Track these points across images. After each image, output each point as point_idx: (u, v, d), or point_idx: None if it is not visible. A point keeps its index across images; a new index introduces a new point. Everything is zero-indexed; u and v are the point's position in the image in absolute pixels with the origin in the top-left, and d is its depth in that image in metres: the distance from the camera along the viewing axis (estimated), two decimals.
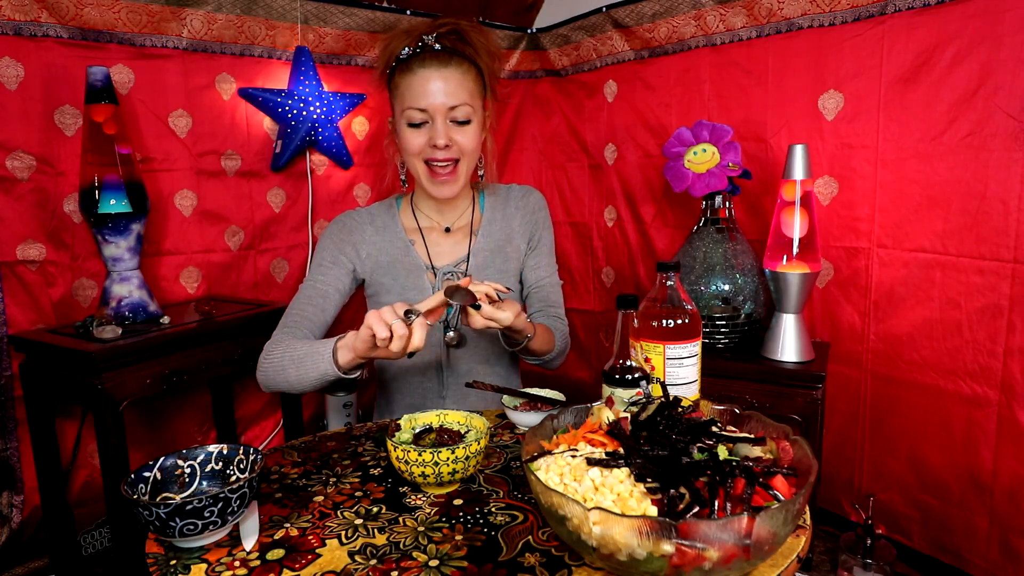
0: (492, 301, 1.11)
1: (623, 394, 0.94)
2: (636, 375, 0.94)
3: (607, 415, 0.82)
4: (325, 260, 1.32)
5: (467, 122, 1.24)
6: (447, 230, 1.38)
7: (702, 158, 1.54)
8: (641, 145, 1.94)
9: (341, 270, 1.32)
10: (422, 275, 1.33)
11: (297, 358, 1.12)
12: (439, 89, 1.21)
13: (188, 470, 0.87)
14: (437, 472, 0.87)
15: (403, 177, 1.36)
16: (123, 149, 1.41)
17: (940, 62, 1.37)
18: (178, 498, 0.80)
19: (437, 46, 1.23)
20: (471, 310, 1.09)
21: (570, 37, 2.05)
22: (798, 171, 1.40)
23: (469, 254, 1.35)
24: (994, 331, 1.35)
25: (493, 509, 0.86)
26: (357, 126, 1.93)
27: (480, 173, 1.35)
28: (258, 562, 0.74)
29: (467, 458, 0.89)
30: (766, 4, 1.59)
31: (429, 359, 1.33)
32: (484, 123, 1.31)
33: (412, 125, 1.23)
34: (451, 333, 1.32)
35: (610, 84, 1.99)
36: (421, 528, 0.81)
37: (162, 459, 0.85)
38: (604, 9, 1.90)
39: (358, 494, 0.91)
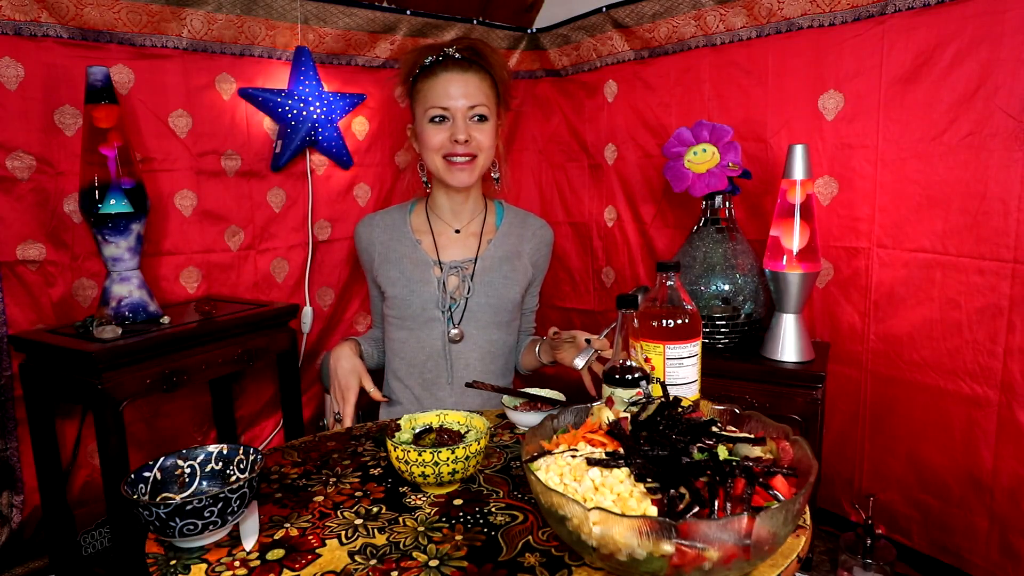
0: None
1: (623, 394, 0.94)
2: (636, 375, 0.95)
3: (607, 415, 0.82)
4: (365, 272, 1.54)
5: (485, 120, 1.37)
6: (457, 232, 1.48)
7: (702, 158, 1.54)
8: (641, 145, 1.94)
9: (372, 282, 1.52)
10: (429, 269, 1.43)
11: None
12: (460, 91, 1.33)
13: (188, 470, 0.87)
14: (437, 472, 0.87)
15: (425, 179, 1.48)
16: (124, 156, 1.41)
17: (940, 62, 1.37)
18: (178, 498, 0.80)
19: (458, 55, 1.36)
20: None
21: (570, 37, 2.05)
22: (798, 171, 1.40)
23: (477, 257, 1.44)
24: (994, 331, 1.35)
25: (493, 509, 0.86)
26: (357, 126, 1.93)
27: (495, 175, 1.47)
28: (258, 562, 0.75)
29: (467, 458, 0.89)
30: (766, 4, 1.59)
31: (433, 350, 1.42)
32: (498, 128, 1.43)
33: (433, 122, 1.35)
34: (454, 331, 1.40)
35: (610, 84, 1.99)
36: (421, 528, 0.81)
37: (162, 459, 0.85)
38: (604, 9, 1.90)
39: (358, 494, 0.91)
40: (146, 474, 0.83)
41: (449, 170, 1.36)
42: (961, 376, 1.41)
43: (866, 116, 1.48)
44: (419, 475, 0.88)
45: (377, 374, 1.56)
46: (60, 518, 1.48)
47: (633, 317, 0.98)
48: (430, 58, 1.35)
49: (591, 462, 0.71)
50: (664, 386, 0.90)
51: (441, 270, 1.42)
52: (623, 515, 0.61)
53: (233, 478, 0.87)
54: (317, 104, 1.76)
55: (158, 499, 0.82)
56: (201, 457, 0.88)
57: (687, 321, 0.98)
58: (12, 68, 1.40)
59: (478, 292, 1.41)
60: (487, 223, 1.49)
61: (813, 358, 1.45)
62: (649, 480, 0.68)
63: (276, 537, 0.80)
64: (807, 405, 1.37)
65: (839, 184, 1.55)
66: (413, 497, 0.90)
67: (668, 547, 0.60)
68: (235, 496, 0.76)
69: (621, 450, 0.74)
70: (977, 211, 1.36)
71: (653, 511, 0.65)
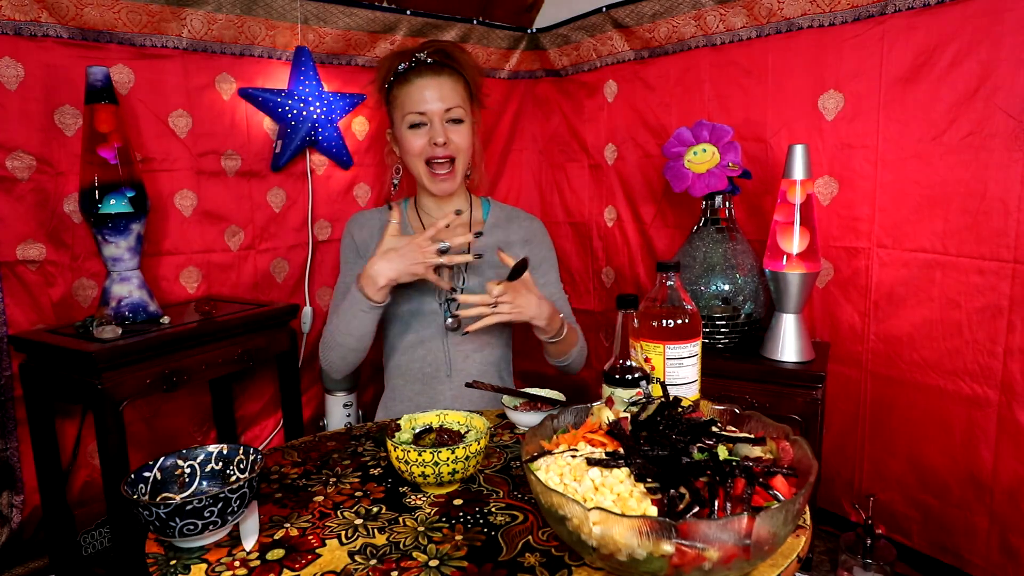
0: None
1: (623, 394, 0.94)
2: (636, 375, 0.95)
3: (607, 415, 0.82)
4: (349, 258, 1.47)
5: (461, 122, 1.39)
6: (447, 227, 1.44)
7: (702, 158, 1.54)
8: (641, 145, 1.94)
9: (362, 263, 1.44)
10: None
11: (341, 324, 1.32)
12: (434, 95, 1.36)
13: (188, 470, 0.87)
14: (437, 472, 0.87)
15: (395, 181, 1.50)
16: (123, 153, 1.41)
17: (940, 62, 1.37)
18: (178, 498, 0.80)
19: (429, 60, 1.38)
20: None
21: (570, 37, 2.05)
22: (798, 171, 1.40)
23: (470, 247, 1.43)
24: (994, 331, 1.35)
25: (493, 509, 0.86)
26: (357, 126, 1.93)
27: (467, 174, 1.48)
28: (258, 562, 0.75)
29: (467, 458, 0.89)
30: (766, 4, 1.59)
31: (431, 343, 1.41)
32: (474, 127, 1.45)
33: (412, 128, 1.37)
34: (450, 320, 1.41)
35: (610, 84, 1.99)
36: (421, 528, 0.81)
37: (162, 459, 0.85)
38: (604, 9, 1.90)
39: (358, 494, 0.91)
40: (146, 474, 0.83)
41: (432, 180, 1.39)
42: (961, 376, 1.41)
43: (866, 116, 1.48)
44: (419, 475, 0.88)
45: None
46: (60, 518, 1.48)
47: (633, 317, 0.98)
48: (403, 65, 1.38)
49: (591, 462, 0.71)
50: (664, 386, 0.90)
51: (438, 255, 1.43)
52: (623, 515, 0.61)
53: (233, 478, 0.87)
54: (317, 104, 1.76)
55: (158, 499, 0.82)
56: (201, 457, 0.88)
57: (687, 321, 0.98)
58: (12, 68, 1.40)
59: (471, 281, 1.42)
60: (474, 216, 1.50)
61: (813, 358, 1.45)
62: (649, 480, 0.68)
63: (276, 537, 0.80)
64: (807, 405, 1.37)
65: (839, 184, 1.55)
66: (413, 497, 0.90)
67: (668, 547, 0.60)
68: (235, 496, 0.76)
69: (621, 450, 0.74)
70: (977, 211, 1.36)
71: (653, 511, 0.65)
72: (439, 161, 1.38)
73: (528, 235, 1.52)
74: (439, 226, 1.26)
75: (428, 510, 0.86)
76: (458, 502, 0.88)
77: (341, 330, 1.31)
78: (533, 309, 1.27)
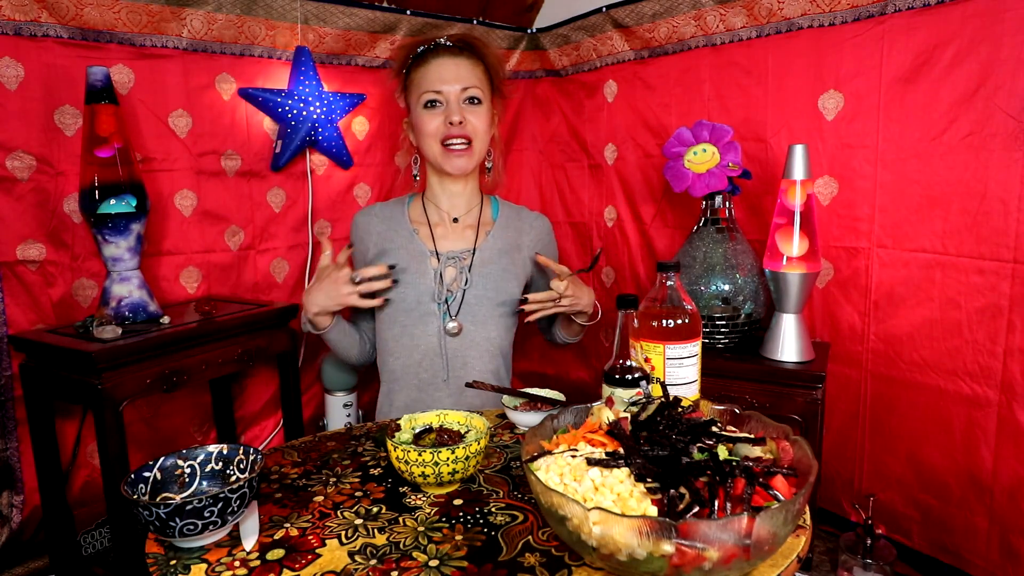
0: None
1: (623, 394, 0.94)
2: (636, 375, 0.95)
3: (607, 415, 0.82)
4: (358, 265, 1.48)
5: (479, 103, 1.36)
6: (455, 220, 1.46)
7: (702, 158, 1.54)
8: (641, 145, 1.94)
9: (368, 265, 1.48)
10: (425, 260, 1.40)
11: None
12: (452, 74, 1.33)
13: (188, 470, 0.87)
14: (437, 472, 0.87)
15: (415, 172, 1.47)
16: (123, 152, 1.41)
17: (940, 62, 1.37)
18: (178, 498, 0.80)
19: (449, 43, 1.36)
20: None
21: (570, 37, 2.05)
22: (798, 171, 1.40)
23: (475, 248, 1.42)
24: (994, 331, 1.35)
25: (493, 509, 0.86)
26: (357, 126, 1.93)
27: (488, 166, 1.45)
28: (258, 562, 0.75)
29: (467, 458, 0.89)
30: (766, 4, 1.59)
31: (428, 347, 1.38)
32: (493, 115, 1.42)
33: (427, 107, 1.35)
34: (452, 324, 1.37)
35: (610, 84, 1.99)
36: (421, 528, 0.81)
37: (162, 459, 0.85)
38: (604, 9, 1.90)
39: (358, 494, 0.91)
40: (146, 474, 0.83)
41: (447, 157, 1.36)
42: (961, 376, 1.41)
43: (866, 116, 1.48)
44: (419, 475, 0.88)
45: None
46: (60, 518, 1.48)
47: (633, 317, 0.98)
48: (422, 47, 1.36)
49: (591, 462, 0.71)
50: (664, 386, 0.90)
51: (438, 260, 1.40)
52: (623, 515, 0.61)
53: (233, 478, 0.87)
54: (317, 104, 1.76)
55: (158, 499, 0.82)
56: (201, 457, 0.88)
57: (687, 321, 0.98)
58: (12, 68, 1.40)
59: (476, 284, 1.38)
60: (484, 215, 1.48)
61: (813, 358, 1.45)
62: (649, 480, 0.68)
63: (276, 537, 0.80)
64: (807, 405, 1.37)
65: (839, 184, 1.55)
66: (413, 497, 0.90)
67: (668, 547, 0.60)
68: (235, 496, 0.76)
69: (621, 450, 0.74)
70: (977, 211, 1.36)
71: (653, 511, 0.65)
72: (455, 142, 1.35)
73: (536, 238, 1.50)
74: (365, 273, 1.29)
75: (428, 510, 0.86)
76: (458, 502, 0.88)
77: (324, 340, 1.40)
78: (588, 297, 1.37)
